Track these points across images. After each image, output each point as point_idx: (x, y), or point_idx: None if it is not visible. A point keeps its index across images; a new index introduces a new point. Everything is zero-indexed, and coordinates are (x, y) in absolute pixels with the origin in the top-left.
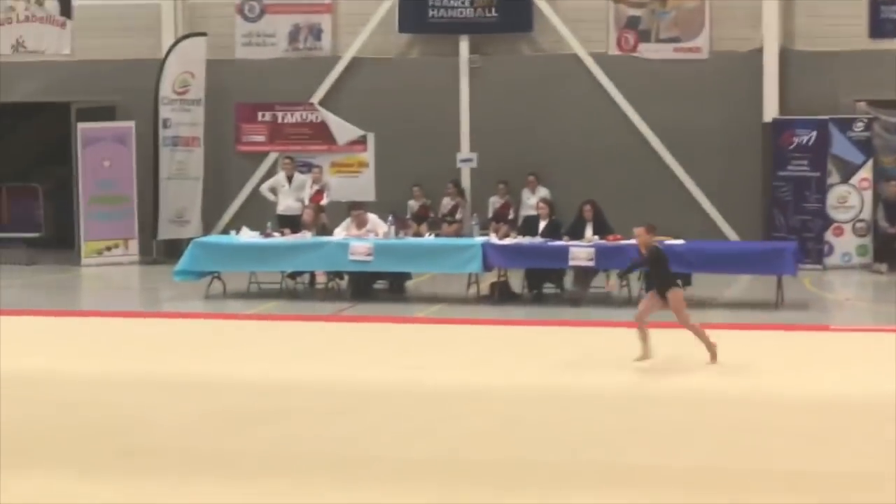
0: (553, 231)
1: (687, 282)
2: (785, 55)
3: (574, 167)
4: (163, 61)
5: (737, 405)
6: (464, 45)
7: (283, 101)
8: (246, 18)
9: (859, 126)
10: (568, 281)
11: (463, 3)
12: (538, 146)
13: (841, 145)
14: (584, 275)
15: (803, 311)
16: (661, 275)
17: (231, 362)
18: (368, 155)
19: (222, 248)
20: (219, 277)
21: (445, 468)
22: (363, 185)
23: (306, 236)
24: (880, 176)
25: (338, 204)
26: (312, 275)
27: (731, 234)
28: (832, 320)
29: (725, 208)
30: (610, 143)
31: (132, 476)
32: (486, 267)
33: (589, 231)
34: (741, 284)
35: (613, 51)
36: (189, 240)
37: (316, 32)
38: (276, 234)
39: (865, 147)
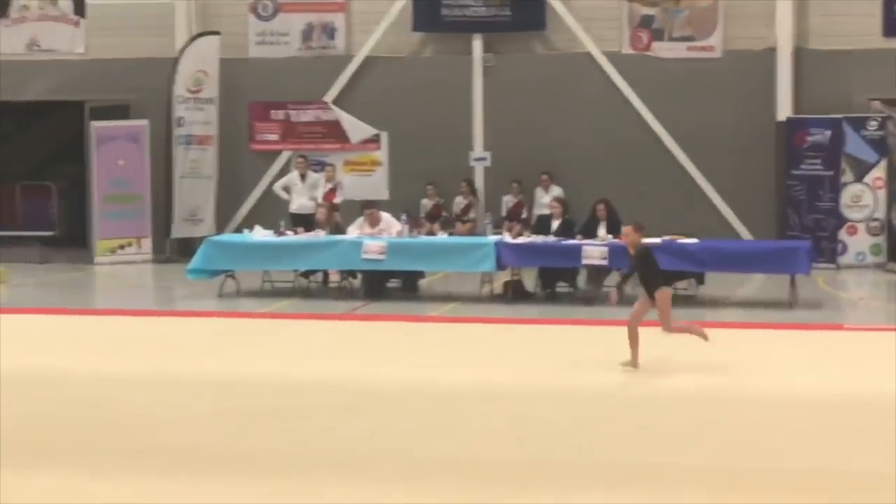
0: (566, 230)
1: (700, 281)
2: (798, 54)
3: (587, 166)
4: (176, 60)
5: (750, 404)
6: (477, 44)
7: (297, 99)
8: (259, 17)
9: (873, 125)
10: (581, 280)
11: (476, 1)
12: (551, 145)
13: (855, 144)
14: (597, 274)
15: (817, 310)
16: (650, 274)
17: (244, 361)
18: (382, 153)
19: (236, 247)
20: (232, 276)
21: (458, 467)
22: (376, 184)
23: (319, 235)
24: (894, 175)
25: (351, 202)
26: (326, 273)
27: (745, 233)
28: (846, 319)
29: (739, 207)
30: (623, 141)
31: (145, 474)
32: (500, 266)
33: (602, 230)
34: (754, 283)
35: (627, 49)
36: (202, 238)
37: (329, 31)
38: (289, 232)
39: (879, 146)
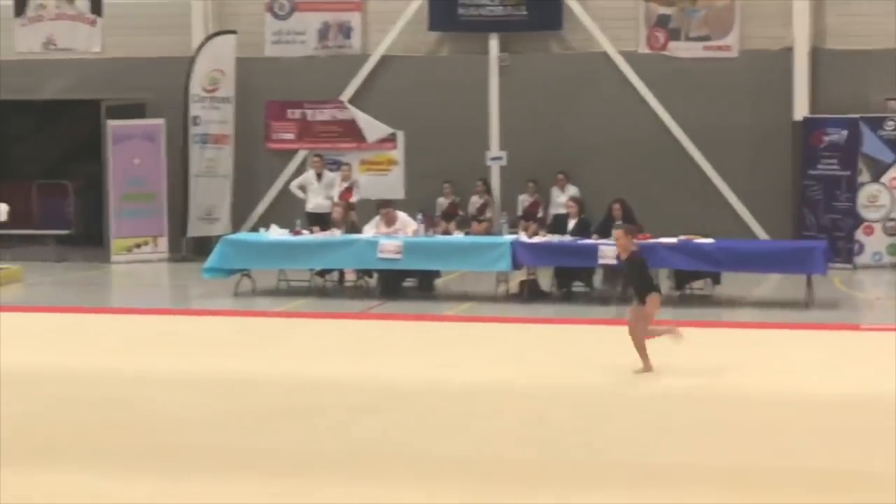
0: (582, 229)
1: (716, 280)
2: (815, 54)
3: (603, 166)
4: (193, 59)
5: (766, 404)
6: (493, 44)
7: (313, 98)
8: (276, 16)
9: (890, 125)
10: (597, 279)
11: (493, 1)
12: (567, 144)
13: (871, 144)
14: (613, 273)
15: (833, 310)
16: (641, 280)
17: (260, 360)
18: (398, 153)
19: (251, 246)
20: (248, 275)
21: (473, 466)
22: (392, 183)
23: (335, 234)
24: None
25: (367, 202)
26: (341, 272)
27: (761, 233)
28: (862, 320)
29: (755, 207)
30: (639, 141)
31: (160, 473)
32: (516, 265)
33: None
34: (771, 283)
35: (643, 49)
36: (218, 237)
37: (345, 30)
38: (305, 231)
39: None
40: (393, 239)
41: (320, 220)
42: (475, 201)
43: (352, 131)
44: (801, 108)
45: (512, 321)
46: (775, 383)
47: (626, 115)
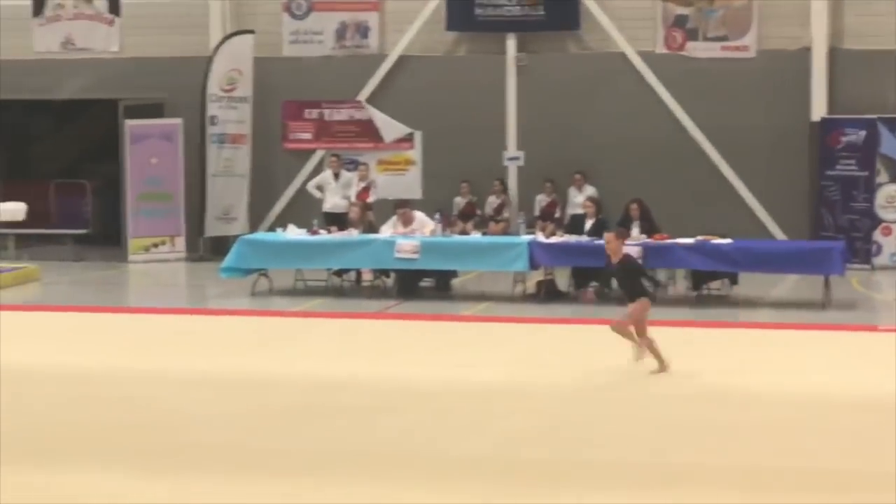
0: (600, 229)
1: (734, 281)
2: (833, 54)
3: (621, 166)
4: (210, 58)
5: (783, 405)
6: (511, 43)
7: (330, 98)
8: (293, 16)
9: None
10: (614, 280)
11: (510, 1)
12: (585, 144)
13: (890, 145)
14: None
15: (851, 311)
16: (632, 284)
17: (277, 360)
18: (415, 153)
19: (269, 246)
20: (265, 275)
21: (491, 466)
22: (410, 183)
23: (353, 234)
24: None
25: (384, 202)
26: (359, 272)
27: (779, 234)
28: (880, 320)
29: (773, 207)
30: (657, 141)
31: (178, 473)
32: (533, 265)
33: (635, 230)
34: (788, 284)
35: (661, 49)
36: (235, 237)
37: (363, 30)
38: (322, 231)
39: None
40: (410, 239)
41: (338, 220)
42: (492, 201)
43: (369, 131)
44: (818, 109)
45: (529, 321)
46: (792, 383)
47: (644, 115)
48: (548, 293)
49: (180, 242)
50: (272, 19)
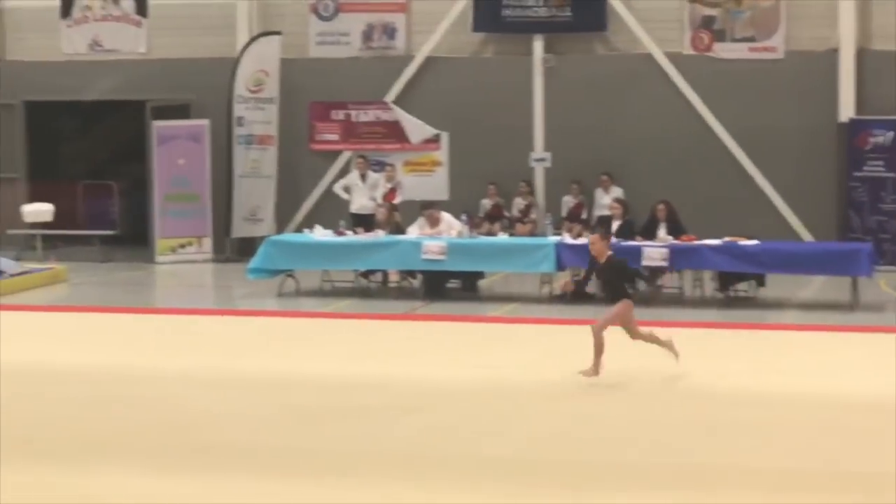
0: (626, 231)
1: (761, 282)
2: (861, 55)
3: (648, 167)
4: (237, 60)
5: (812, 406)
6: (538, 45)
7: (357, 99)
8: (320, 17)
9: None
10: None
11: (537, 2)
12: (612, 146)
13: None
14: (654, 274)
15: (879, 312)
16: (617, 285)
17: (304, 360)
18: (442, 154)
19: (296, 247)
20: (292, 276)
21: (518, 467)
22: (436, 184)
23: (379, 235)
24: None
25: (411, 203)
26: (385, 273)
27: (806, 235)
28: None
29: (800, 209)
30: (684, 142)
31: (206, 472)
32: (560, 266)
33: (662, 231)
34: (816, 285)
35: (688, 50)
36: (262, 238)
37: (390, 31)
38: (349, 232)
39: None
40: (437, 240)
41: (364, 221)
42: (519, 203)
43: (396, 132)
44: (846, 110)
45: (556, 322)
46: (819, 385)
47: (671, 116)
48: (575, 294)
49: (207, 243)
50: (299, 20)
